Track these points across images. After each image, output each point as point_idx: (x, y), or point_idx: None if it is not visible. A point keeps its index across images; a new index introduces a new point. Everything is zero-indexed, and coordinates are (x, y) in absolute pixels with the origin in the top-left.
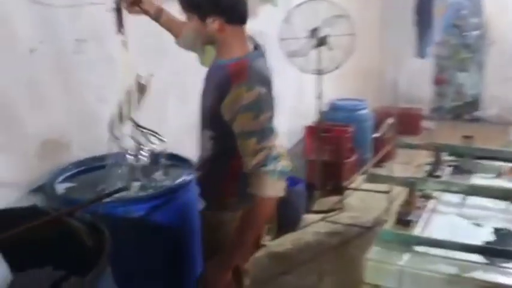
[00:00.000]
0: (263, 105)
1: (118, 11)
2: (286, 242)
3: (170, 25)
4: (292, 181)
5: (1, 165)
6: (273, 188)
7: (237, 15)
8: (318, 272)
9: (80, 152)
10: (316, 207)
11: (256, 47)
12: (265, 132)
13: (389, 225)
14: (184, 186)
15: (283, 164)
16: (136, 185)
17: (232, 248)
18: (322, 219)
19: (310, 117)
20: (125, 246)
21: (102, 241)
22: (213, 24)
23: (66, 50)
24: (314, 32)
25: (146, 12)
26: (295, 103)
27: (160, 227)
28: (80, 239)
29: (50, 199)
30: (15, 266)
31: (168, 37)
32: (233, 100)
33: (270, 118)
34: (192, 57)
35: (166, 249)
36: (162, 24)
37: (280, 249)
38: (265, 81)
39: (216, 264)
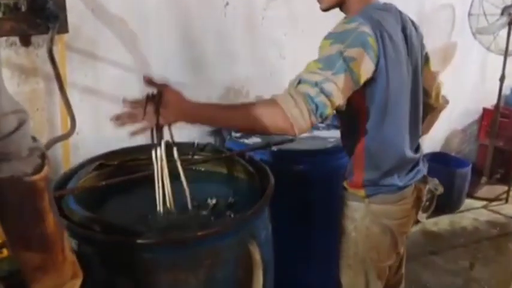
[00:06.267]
0: (348, 37)
1: None
2: (442, 223)
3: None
4: (458, 163)
5: None
6: (295, 111)
7: None
8: (469, 260)
9: None
10: (480, 193)
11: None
12: (332, 61)
13: None
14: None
15: (324, 102)
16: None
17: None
18: (484, 207)
19: (491, 99)
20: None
21: (263, 182)
22: None
23: (256, 5)
24: (506, 9)
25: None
26: (477, 82)
27: (313, 183)
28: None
29: (224, 141)
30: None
31: None
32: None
33: (351, 57)
34: None
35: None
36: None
37: (435, 228)
38: (376, 25)
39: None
